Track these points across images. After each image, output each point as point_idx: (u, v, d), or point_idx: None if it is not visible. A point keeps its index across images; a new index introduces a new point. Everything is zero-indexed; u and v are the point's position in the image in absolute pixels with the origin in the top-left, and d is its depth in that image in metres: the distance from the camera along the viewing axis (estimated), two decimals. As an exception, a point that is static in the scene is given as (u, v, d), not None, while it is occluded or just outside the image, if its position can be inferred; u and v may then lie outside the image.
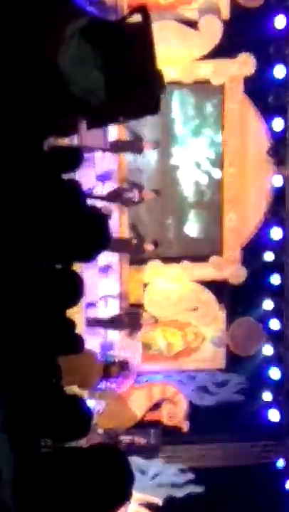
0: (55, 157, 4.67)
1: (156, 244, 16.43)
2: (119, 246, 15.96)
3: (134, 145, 16.33)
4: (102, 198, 15.10)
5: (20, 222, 3.84)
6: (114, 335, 16.72)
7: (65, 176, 4.67)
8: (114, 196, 15.93)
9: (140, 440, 16.58)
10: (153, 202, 16.96)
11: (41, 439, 3.70)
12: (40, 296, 3.94)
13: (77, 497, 3.48)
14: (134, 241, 16.34)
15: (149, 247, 16.27)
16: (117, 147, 15.93)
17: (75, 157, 5.20)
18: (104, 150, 15.31)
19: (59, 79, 3.73)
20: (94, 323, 15.96)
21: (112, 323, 16.33)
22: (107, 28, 4.06)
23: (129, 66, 4.09)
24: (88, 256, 4.51)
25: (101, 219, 4.58)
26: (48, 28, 3.73)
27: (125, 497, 3.72)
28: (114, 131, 16.06)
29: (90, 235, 4.32)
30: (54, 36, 3.72)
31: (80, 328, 13.37)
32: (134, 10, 4.29)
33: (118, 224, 16.27)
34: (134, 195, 16.12)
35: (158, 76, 4.23)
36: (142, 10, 4.21)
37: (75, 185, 4.72)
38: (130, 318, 16.63)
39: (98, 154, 15.29)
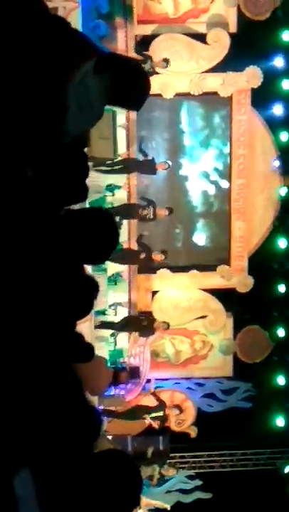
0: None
1: (166, 253, 16.49)
2: (128, 258, 16.06)
3: (147, 166, 16.39)
4: (116, 213, 15.14)
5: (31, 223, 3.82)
6: (123, 342, 16.78)
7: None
8: (128, 211, 16.03)
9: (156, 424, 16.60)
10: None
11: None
12: (54, 303, 3.94)
13: (85, 502, 3.47)
14: (143, 255, 16.39)
15: (158, 257, 16.33)
16: (130, 167, 16.01)
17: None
18: (112, 162, 15.40)
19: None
20: (104, 326, 15.97)
21: (125, 325, 16.31)
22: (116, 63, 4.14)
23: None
24: (99, 255, 4.49)
25: (111, 218, 4.57)
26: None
27: (134, 502, 3.66)
28: (123, 145, 16.16)
29: (101, 233, 4.32)
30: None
31: (90, 336, 13.47)
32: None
33: (127, 235, 16.35)
34: (149, 212, 16.20)
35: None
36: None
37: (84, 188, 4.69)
38: (143, 322, 16.64)
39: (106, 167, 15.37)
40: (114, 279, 16.39)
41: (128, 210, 16.03)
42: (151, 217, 16.21)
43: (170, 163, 16.58)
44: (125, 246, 16.10)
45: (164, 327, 16.54)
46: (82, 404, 4.29)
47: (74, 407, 4.03)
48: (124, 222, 16.01)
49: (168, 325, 16.55)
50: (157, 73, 16.09)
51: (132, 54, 16.29)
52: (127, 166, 15.98)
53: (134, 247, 16.66)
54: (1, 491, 3.08)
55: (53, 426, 3.60)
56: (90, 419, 4.25)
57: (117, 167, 15.78)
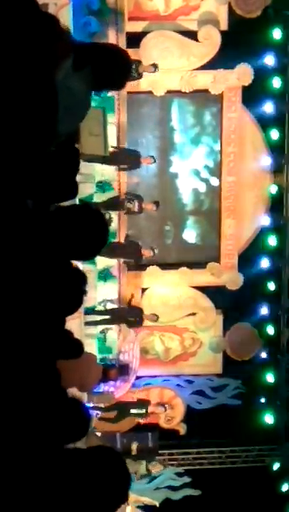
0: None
1: (154, 249, 16.50)
2: (118, 252, 16.06)
3: (132, 159, 16.37)
4: (103, 205, 15.19)
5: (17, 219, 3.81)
6: (113, 339, 16.80)
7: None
8: (115, 204, 16.03)
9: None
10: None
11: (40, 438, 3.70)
12: (43, 299, 3.97)
13: (74, 498, 3.48)
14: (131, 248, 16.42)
15: (146, 252, 16.34)
16: (116, 160, 15.99)
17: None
18: (103, 159, 15.37)
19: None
20: (93, 322, 15.97)
21: (113, 315, 16.30)
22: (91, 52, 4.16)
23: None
24: (89, 252, 4.48)
25: (101, 215, 4.56)
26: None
27: (122, 498, 3.68)
28: (113, 140, 16.17)
29: (91, 230, 4.32)
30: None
31: (79, 333, 13.49)
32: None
33: (117, 230, 16.37)
34: (135, 205, 16.20)
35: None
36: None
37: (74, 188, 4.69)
38: (132, 313, 16.66)
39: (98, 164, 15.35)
40: (103, 276, 16.39)
41: (114, 203, 16.02)
42: (136, 210, 16.20)
43: (155, 158, 16.51)
44: (115, 240, 16.10)
45: (152, 319, 16.57)
46: (71, 400, 4.31)
47: (62, 404, 4.03)
48: (114, 217, 16.03)
49: (157, 317, 16.59)
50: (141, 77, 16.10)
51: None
52: (114, 158, 15.93)
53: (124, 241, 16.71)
54: None
55: (40, 421, 3.61)
56: (78, 416, 4.27)
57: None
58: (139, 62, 15.90)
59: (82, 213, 4.34)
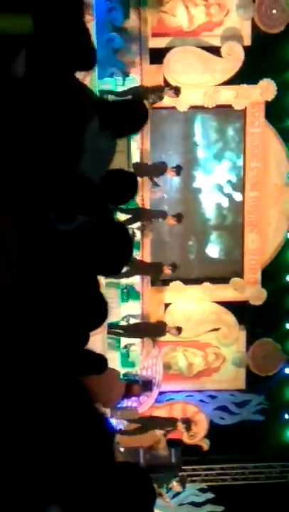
0: None
1: (175, 267, 16.53)
2: (141, 269, 16.10)
3: (157, 169, 16.44)
4: (126, 220, 15.23)
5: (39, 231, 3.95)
6: (136, 354, 16.82)
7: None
8: (138, 219, 16.07)
9: None
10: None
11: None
12: (66, 316, 3.97)
13: None
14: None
15: (167, 270, 16.38)
16: (140, 171, 16.04)
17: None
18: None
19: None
20: (115, 332, 16.00)
21: (135, 330, 16.35)
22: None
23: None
24: (113, 268, 4.52)
25: (125, 230, 4.66)
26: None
27: None
28: (137, 154, 16.24)
29: (116, 245, 4.34)
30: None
31: (102, 348, 13.51)
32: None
33: (141, 246, 16.41)
34: (158, 221, 16.31)
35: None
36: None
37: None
38: (153, 327, 16.71)
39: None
40: (127, 291, 16.43)
41: (137, 218, 16.06)
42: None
43: (180, 169, 16.54)
44: (137, 257, 16.14)
45: (174, 333, 16.61)
46: (94, 416, 4.30)
47: (86, 421, 4.03)
48: (137, 232, 16.08)
49: (180, 329, 16.62)
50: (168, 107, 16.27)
51: (146, 66, 16.41)
52: (137, 171, 15.97)
53: (146, 258, 16.75)
54: None
55: (75, 455, 3.62)
56: (101, 432, 4.27)
57: None
58: (162, 89, 16.01)
59: (107, 228, 4.39)
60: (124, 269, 14.80)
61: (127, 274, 15.51)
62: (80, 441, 3.75)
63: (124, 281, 16.05)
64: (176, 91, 16.17)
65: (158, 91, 16.03)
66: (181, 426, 16.82)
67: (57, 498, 3.36)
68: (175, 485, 16.22)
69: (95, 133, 4.38)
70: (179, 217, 16.24)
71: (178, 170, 16.44)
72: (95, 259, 4.26)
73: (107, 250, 4.30)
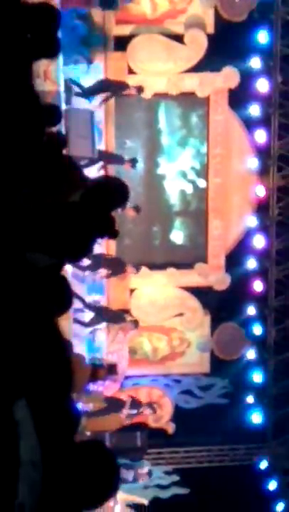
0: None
1: (138, 269, 16.71)
2: (104, 263, 16.19)
3: (118, 160, 16.48)
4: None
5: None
6: (101, 339, 16.89)
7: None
8: None
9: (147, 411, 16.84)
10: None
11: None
12: (30, 302, 4.02)
13: (64, 490, 3.50)
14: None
15: (130, 270, 16.52)
16: (103, 158, 16.08)
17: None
18: (92, 161, 15.45)
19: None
20: (79, 321, 16.09)
21: (99, 313, 16.45)
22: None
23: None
24: (78, 252, 4.56)
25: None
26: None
27: (112, 490, 3.71)
28: (101, 144, 16.27)
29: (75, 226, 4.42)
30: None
31: (68, 333, 13.57)
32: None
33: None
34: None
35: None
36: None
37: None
38: (114, 314, 16.81)
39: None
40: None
41: None
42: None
43: (135, 161, 16.57)
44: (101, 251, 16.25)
45: (131, 327, 16.76)
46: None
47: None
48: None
49: (136, 323, 16.75)
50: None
51: (111, 54, 16.45)
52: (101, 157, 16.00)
53: (111, 245, 16.83)
54: (3, 416, 3.29)
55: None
56: (68, 415, 4.33)
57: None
58: (126, 86, 16.12)
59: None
60: (88, 262, 15.13)
61: (91, 267, 15.70)
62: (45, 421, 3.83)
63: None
64: (139, 90, 16.33)
65: (122, 88, 16.08)
66: (146, 410, 16.95)
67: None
68: (143, 471, 16.43)
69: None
70: (137, 209, 16.26)
71: (133, 163, 16.45)
72: (57, 243, 4.30)
73: (68, 232, 4.34)
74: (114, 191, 4.95)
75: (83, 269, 15.61)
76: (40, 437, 3.42)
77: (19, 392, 3.45)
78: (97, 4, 15.69)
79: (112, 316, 16.78)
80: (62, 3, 13.97)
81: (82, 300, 16.07)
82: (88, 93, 15.86)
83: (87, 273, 16.07)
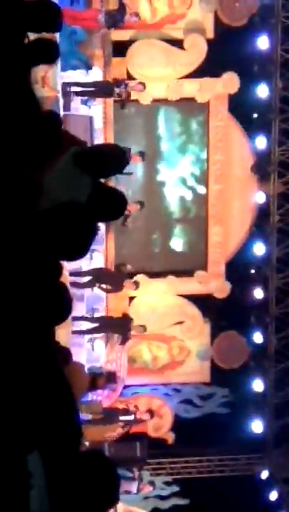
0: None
1: (138, 286, 16.60)
2: (103, 277, 16.11)
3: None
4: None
5: None
6: (100, 348, 16.79)
7: None
8: None
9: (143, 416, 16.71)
10: (139, 217, 17.03)
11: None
12: (28, 311, 3.96)
13: (65, 500, 3.54)
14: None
15: (128, 285, 16.41)
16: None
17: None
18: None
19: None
20: (80, 331, 15.98)
21: (100, 323, 16.33)
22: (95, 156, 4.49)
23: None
24: (76, 252, 4.47)
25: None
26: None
27: (113, 501, 3.74)
28: (100, 138, 16.15)
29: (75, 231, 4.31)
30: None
31: (67, 341, 13.46)
32: None
33: (104, 240, 16.37)
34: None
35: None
36: None
37: None
38: (118, 323, 16.67)
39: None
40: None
41: None
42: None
43: (144, 154, 16.48)
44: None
45: (140, 330, 16.58)
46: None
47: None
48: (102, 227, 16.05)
49: (144, 327, 16.59)
50: (131, 100, 16.19)
51: (109, 59, 16.33)
52: None
53: (110, 252, 16.75)
54: (17, 466, 3.41)
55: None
56: (71, 426, 4.26)
57: None
58: (124, 83, 15.95)
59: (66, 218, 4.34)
60: (87, 279, 15.10)
61: (89, 284, 15.62)
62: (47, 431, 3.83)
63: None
64: (142, 85, 16.20)
65: (122, 86, 15.94)
66: (144, 415, 16.83)
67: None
68: (146, 486, 16.34)
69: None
70: (141, 204, 16.16)
71: (142, 156, 16.36)
72: (58, 244, 4.22)
73: (68, 236, 4.24)
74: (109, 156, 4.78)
75: (81, 286, 15.63)
76: (50, 487, 3.51)
77: (33, 444, 3.52)
78: (104, 26, 15.57)
79: (117, 325, 16.64)
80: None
81: (85, 318, 16.01)
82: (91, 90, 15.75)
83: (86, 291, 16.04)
